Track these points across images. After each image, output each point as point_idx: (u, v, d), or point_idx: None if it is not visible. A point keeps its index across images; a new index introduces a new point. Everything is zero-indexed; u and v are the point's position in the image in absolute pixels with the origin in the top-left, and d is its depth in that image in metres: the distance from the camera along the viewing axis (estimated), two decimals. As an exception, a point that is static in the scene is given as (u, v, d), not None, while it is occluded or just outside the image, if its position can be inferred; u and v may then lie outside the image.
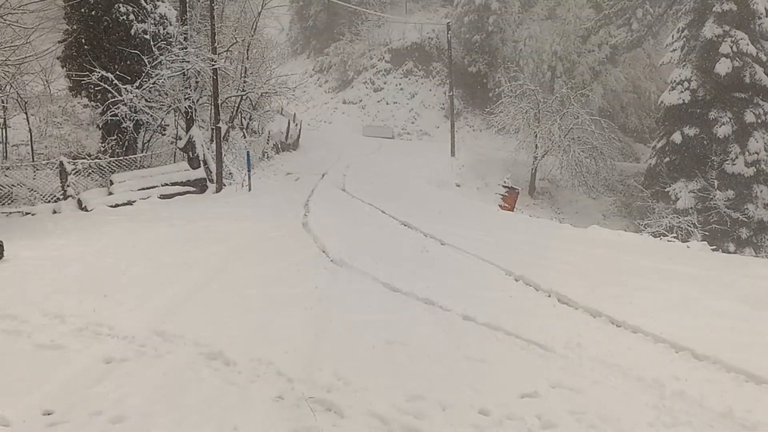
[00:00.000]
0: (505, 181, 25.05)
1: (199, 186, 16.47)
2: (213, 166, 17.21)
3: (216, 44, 17.14)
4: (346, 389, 4.06)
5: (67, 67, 15.84)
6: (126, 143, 16.32)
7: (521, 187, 26.56)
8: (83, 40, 15.44)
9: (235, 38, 20.31)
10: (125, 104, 15.32)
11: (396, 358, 4.73)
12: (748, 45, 22.57)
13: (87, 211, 13.39)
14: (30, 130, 15.69)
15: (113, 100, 15.35)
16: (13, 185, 13.76)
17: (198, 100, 17.75)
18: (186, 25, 17.50)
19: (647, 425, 3.57)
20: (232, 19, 22.99)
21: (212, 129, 18.43)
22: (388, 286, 7.00)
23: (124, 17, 15.47)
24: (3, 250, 8.49)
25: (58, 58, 16.05)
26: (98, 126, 16.79)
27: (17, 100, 15.41)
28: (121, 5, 15.42)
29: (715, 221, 21.91)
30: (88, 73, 14.97)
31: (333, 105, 45.49)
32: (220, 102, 17.58)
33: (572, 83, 32.85)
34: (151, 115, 16.42)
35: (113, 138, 16.09)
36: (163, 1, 16.57)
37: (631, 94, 37.48)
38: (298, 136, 30.68)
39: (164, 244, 9.51)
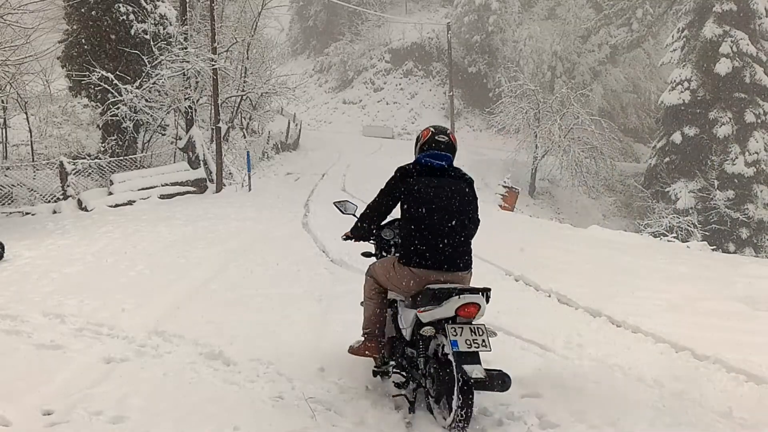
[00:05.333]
0: (504, 181, 25.03)
1: (199, 186, 16.47)
2: (213, 166, 17.22)
3: (216, 44, 17.14)
4: (346, 389, 4.05)
5: (67, 67, 15.85)
6: (126, 143, 16.33)
7: (521, 187, 26.55)
8: (83, 40, 15.45)
9: (235, 38, 20.32)
10: (125, 104, 15.32)
11: (396, 358, 4.72)
12: (748, 45, 22.60)
13: (87, 211, 13.39)
14: (30, 130, 15.71)
15: (113, 100, 15.35)
16: (13, 185, 13.78)
17: (198, 100, 17.75)
18: (186, 25, 17.51)
19: (647, 425, 3.56)
20: (232, 19, 23.00)
21: (212, 129, 18.44)
22: (388, 286, 6.98)
23: (124, 17, 15.48)
24: (3, 250, 8.49)
25: (58, 58, 16.06)
26: (98, 126, 16.79)
27: (17, 100, 15.43)
28: (121, 5, 15.43)
29: (715, 221, 21.92)
30: (88, 73, 14.98)
31: (333, 105, 45.52)
32: (220, 102, 17.58)
33: (572, 83, 32.90)
34: (151, 115, 16.43)
35: (113, 138, 16.10)
36: (163, 1, 16.58)
37: (631, 94, 37.50)
38: (298, 136, 30.70)
39: (164, 244, 9.52)
